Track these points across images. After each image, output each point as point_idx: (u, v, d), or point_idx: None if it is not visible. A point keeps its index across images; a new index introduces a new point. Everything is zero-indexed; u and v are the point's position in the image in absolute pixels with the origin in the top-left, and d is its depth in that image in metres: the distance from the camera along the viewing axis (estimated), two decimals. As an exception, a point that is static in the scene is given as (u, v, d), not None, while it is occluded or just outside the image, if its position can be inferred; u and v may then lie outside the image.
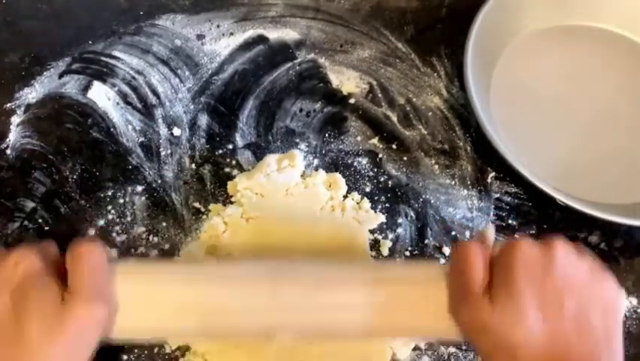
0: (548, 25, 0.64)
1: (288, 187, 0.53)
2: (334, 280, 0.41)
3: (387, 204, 0.55)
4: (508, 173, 0.56)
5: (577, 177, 0.56)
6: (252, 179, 0.53)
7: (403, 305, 0.40)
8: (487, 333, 0.36)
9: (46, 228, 0.52)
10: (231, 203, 0.53)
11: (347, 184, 0.55)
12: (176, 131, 0.57)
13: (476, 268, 0.37)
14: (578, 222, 0.55)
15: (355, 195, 0.55)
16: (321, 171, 0.55)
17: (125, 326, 0.39)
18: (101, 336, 0.36)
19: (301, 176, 0.54)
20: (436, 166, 0.57)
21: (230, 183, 0.54)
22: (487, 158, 0.58)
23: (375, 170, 0.57)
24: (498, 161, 0.54)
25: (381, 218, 0.54)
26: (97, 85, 0.59)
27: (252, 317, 0.40)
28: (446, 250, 0.53)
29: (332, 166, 0.56)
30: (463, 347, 0.50)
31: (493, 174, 0.57)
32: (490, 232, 0.41)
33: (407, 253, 0.53)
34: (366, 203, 0.54)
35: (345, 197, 0.54)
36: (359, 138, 0.58)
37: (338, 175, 0.55)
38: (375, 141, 0.58)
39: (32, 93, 0.58)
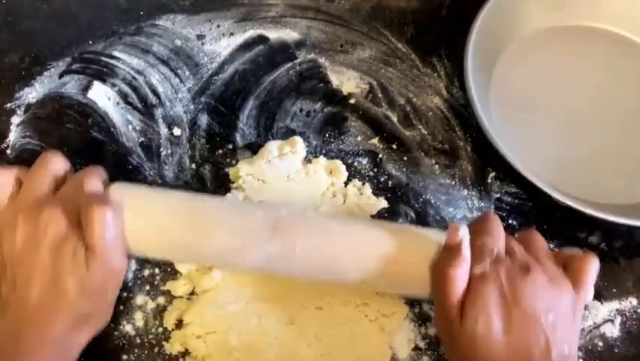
0: (548, 26, 0.64)
1: (290, 173, 0.53)
2: (332, 260, 0.44)
3: (387, 205, 0.55)
4: (508, 173, 0.56)
5: (577, 177, 0.56)
6: (254, 165, 0.53)
7: (393, 286, 0.45)
8: (455, 351, 0.40)
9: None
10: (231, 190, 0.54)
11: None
12: (176, 131, 0.57)
13: (450, 295, 0.39)
14: (578, 222, 0.55)
15: (356, 182, 0.55)
16: (322, 158, 0.55)
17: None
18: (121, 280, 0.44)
19: (303, 162, 0.55)
20: (436, 166, 0.57)
21: (232, 169, 0.55)
22: (487, 158, 0.58)
23: (375, 170, 0.57)
24: (498, 161, 0.54)
25: (383, 203, 0.54)
26: (97, 85, 0.59)
27: (252, 258, 0.44)
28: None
29: (332, 166, 0.56)
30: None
31: (493, 174, 0.57)
32: (459, 233, 0.41)
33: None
34: (368, 189, 0.55)
35: (346, 184, 0.55)
36: (359, 138, 0.58)
37: (339, 162, 0.55)
38: (375, 141, 0.58)
39: (32, 93, 0.58)
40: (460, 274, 0.39)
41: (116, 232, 0.41)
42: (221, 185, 0.55)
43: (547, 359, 0.38)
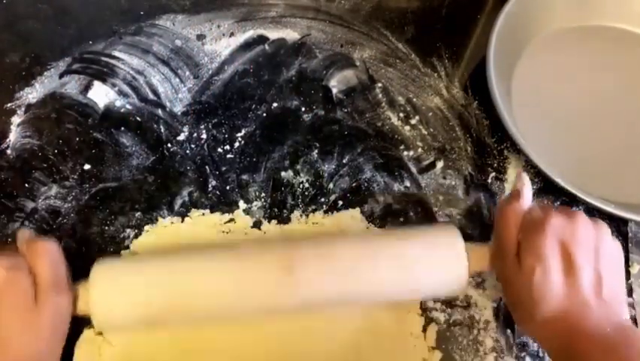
0: (570, 25, 0.64)
1: None
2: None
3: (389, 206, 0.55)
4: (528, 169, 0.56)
5: (598, 175, 0.56)
6: None
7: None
8: (512, 288, 0.43)
9: (46, 228, 0.52)
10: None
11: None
12: (177, 132, 0.57)
13: (506, 233, 0.43)
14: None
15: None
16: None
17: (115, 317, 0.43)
18: (69, 319, 0.42)
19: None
20: (436, 166, 0.57)
21: None
22: (487, 158, 0.58)
23: (375, 172, 0.57)
24: (498, 163, 0.54)
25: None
26: (97, 85, 0.59)
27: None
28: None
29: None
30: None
31: (493, 174, 0.57)
32: (524, 187, 0.45)
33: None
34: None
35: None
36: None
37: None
38: (375, 141, 0.58)
39: (33, 93, 0.58)
40: (517, 209, 0.44)
41: (62, 266, 0.42)
42: (221, 183, 0.55)
43: (599, 296, 0.40)
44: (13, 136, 0.56)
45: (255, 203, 0.54)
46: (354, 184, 0.56)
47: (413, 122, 0.59)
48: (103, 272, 0.44)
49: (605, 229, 0.43)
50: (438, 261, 0.45)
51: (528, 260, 0.41)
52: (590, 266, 0.41)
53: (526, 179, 0.46)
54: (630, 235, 0.55)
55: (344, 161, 0.56)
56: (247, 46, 0.62)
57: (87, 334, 0.47)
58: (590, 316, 0.40)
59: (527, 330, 0.44)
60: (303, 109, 0.59)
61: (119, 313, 0.43)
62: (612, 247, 0.43)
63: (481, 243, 0.47)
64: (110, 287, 0.43)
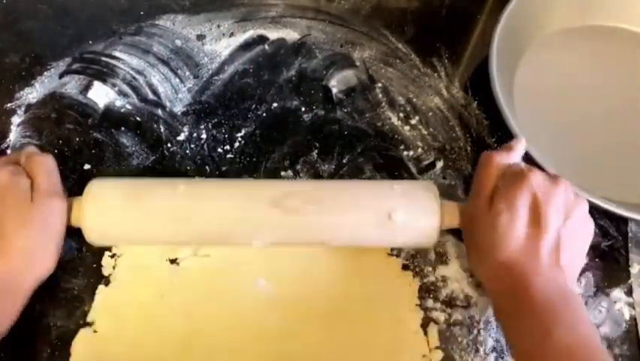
0: (572, 25, 0.64)
1: None
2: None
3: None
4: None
5: (601, 175, 0.56)
6: None
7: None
8: (476, 227, 0.45)
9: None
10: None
11: (347, 184, 0.55)
12: (177, 132, 0.57)
13: (485, 176, 0.45)
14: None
15: None
16: None
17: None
18: (64, 223, 0.46)
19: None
20: (436, 166, 0.57)
21: None
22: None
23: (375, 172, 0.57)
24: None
25: None
26: (97, 85, 0.59)
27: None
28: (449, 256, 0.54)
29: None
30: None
31: (493, 174, 0.57)
32: (518, 144, 0.47)
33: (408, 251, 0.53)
34: None
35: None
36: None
37: None
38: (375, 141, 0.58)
39: (33, 93, 0.58)
40: (496, 162, 0.45)
41: (57, 176, 0.47)
42: (221, 185, 0.55)
43: (555, 260, 0.41)
44: (13, 136, 0.56)
45: (255, 203, 0.54)
46: (354, 184, 0.56)
47: (413, 122, 0.59)
48: (98, 186, 0.47)
49: (583, 204, 0.44)
50: (413, 211, 0.46)
51: (499, 204, 0.42)
52: (555, 229, 0.42)
53: (523, 142, 0.47)
54: (630, 234, 0.55)
55: (344, 161, 0.56)
56: (247, 46, 0.62)
57: (83, 333, 0.47)
58: (539, 274, 0.41)
59: (477, 271, 0.46)
60: (303, 109, 0.59)
61: (110, 225, 0.46)
62: (584, 220, 0.44)
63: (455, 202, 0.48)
64: (103, 199, 0.46)
